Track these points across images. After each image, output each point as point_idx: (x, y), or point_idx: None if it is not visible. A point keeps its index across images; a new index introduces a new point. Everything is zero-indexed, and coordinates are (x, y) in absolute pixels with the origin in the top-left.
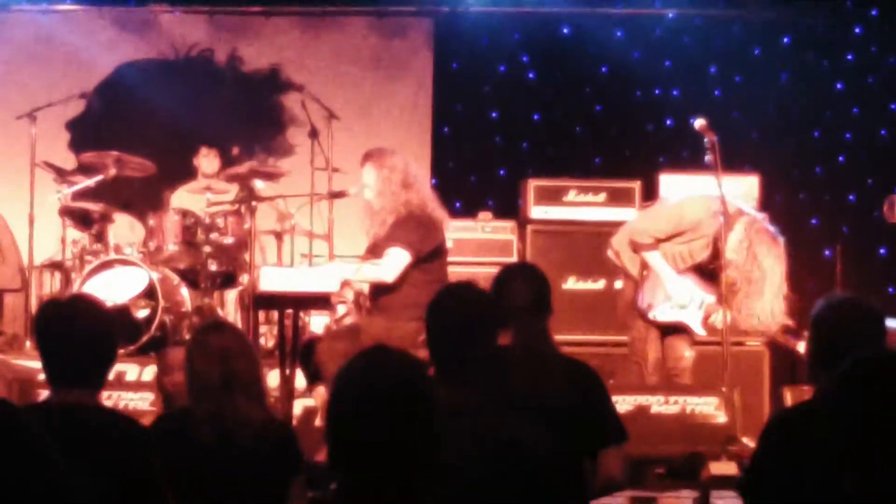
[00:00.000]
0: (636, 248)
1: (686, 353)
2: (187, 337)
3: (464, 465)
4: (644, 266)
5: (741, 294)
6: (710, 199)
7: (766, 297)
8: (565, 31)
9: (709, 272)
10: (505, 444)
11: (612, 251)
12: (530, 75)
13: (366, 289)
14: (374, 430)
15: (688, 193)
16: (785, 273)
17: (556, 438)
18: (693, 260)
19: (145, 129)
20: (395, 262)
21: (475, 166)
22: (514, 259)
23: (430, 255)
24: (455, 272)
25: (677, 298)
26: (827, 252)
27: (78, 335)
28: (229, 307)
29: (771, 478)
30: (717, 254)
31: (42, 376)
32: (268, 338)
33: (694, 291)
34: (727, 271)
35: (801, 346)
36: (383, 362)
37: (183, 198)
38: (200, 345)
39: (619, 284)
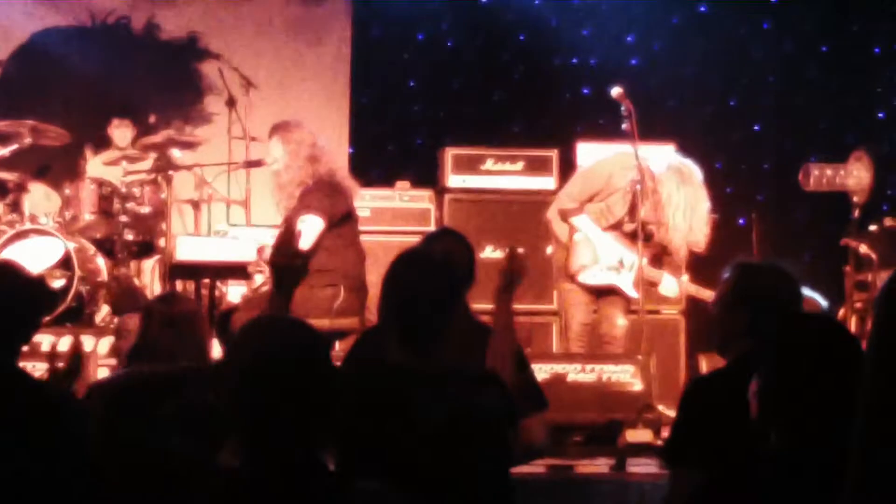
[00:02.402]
0: (564, 215)
1: (619, 322)
2: (104, 307)
3: (430, 428)
4: (572, 232)
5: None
6: (622, 155)
7: (687, 216)
8: None
9: (633, 234)
10: (466, 409)
11: (546, 221)
12: (448, 43)
13: None
14: (269, 395)
15: (603, 155)
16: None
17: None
18: (614, 216)
19: (62, 97)
20: (310, 229)
21: (393, 134)
22: (431, 228)
23: (342, 220)
24: (373, 241)
25: (606, 260)
26: (741, 220)
27: (3, 298)
28: (147, 277)
29: (694, 443)
30: (634, 208)
31: None
32: None
33: (623, 252)
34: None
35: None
36: (275, 333)
37: (99, 167)
38: (145, 315)
39: (549, 250)
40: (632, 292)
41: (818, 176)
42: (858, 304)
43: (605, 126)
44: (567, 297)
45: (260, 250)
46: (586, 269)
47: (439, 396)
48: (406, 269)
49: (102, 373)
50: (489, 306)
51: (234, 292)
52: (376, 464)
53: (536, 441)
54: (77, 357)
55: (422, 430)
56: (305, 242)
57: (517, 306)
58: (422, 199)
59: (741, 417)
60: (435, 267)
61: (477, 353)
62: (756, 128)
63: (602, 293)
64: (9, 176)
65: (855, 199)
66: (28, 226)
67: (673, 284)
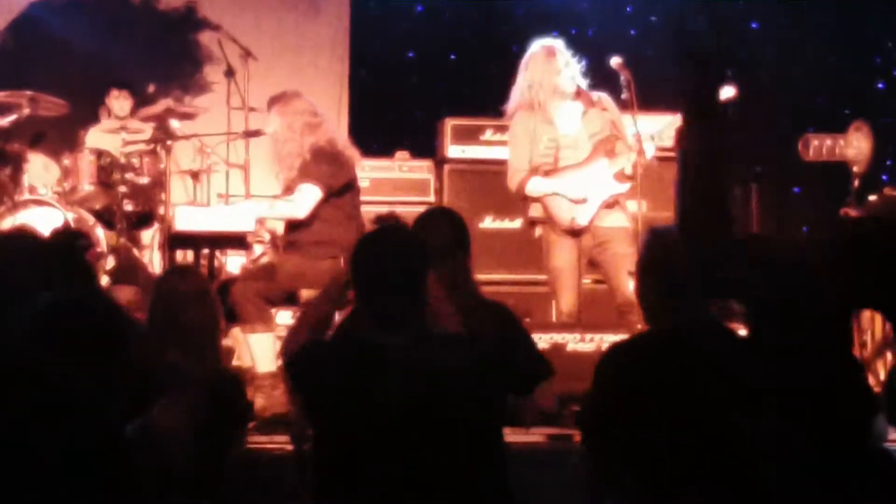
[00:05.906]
0: (520, 189)
1: (632, 286)
2: (104, 278)
3: (397, 397)
4: (543, 202)
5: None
6: (523, 112)
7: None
8: None
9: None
10: (434, 374)
11: (530, 223)
12: (446, 15)
13: (279, 228)
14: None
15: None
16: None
17: (484, 375)
18: (555, 144)
19: (59, 67)
20: (307, 197)
21: (392, 106)
22: (431, 198)
23: (342, 190)
24: (373, 211)
25: (577, 195)
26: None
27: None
28: (147, 247)
29: (609, 410)
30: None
31: None
32: None
33: (584, 176)
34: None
35: None
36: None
37: (98, 138)
38: (154, 290)
39: (538, 233)
40: (619, 188)
41: (817, 146)
42: None
43: None
44: (557, 277)
45: (260, 221)
46: (575, 215)
47: (409, 369)
48: (370, 246)
49: None
50: (488, 276)
51: (232, 263)
52: (355, 443)
53: (546, 407)
54: None
55: (395, 406)
56: (302, 211)
57: (517, 276)
58: (421, 169)
59: (655, 380)
60: (399, 241)
61: (486, 330)
62: (755, 99)
63: (597, 256)
64: (7, 147)
65: (854, 169)
66: (27, 196)
67: (648, 146)
